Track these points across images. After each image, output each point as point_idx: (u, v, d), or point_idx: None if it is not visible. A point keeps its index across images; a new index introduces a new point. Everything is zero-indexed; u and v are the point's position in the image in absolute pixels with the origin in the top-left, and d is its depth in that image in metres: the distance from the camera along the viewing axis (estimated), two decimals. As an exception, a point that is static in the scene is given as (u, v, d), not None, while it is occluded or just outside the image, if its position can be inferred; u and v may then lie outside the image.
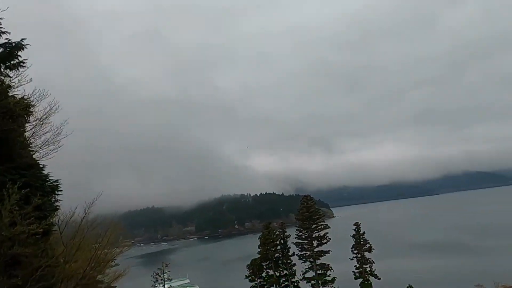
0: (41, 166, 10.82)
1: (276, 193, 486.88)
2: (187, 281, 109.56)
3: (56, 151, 11.56)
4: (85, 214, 11.48)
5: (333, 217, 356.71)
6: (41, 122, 11.71)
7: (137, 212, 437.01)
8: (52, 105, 12.27)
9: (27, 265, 8.55)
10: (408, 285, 73.94)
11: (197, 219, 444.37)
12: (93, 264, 11.98)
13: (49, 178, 10.56)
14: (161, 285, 71.45)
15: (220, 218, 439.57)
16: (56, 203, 10.72)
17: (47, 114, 11.92)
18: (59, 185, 10.88)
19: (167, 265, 73.00)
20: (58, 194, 10.75)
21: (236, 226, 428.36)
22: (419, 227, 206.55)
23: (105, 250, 12.55)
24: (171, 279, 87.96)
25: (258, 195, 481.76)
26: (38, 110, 12.02)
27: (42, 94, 12.21)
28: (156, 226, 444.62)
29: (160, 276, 70.75)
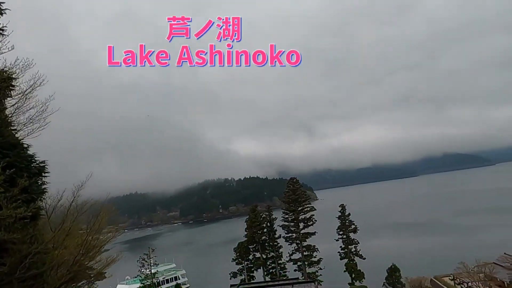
0: (25, 145, 9.90)
1: (260, 177, 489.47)
2: (173, 265, 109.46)
3: (42, 129, 10.53)
4: (74, 197, 10.69)
5: (316, 199, 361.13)
6: (25, 97, 10.62)
7: (120, 198, 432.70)
8: (36, 78, 11.13)
9: (15, 252, 7.82)
10: (391, 264, 75.51)
11: (181, 204, 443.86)
12: (84, 251, 11.26)
13: (35, 158, 9.70)
14: (147, 270, 71.02)
15: (204, 202, 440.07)
16: (43, 186, 9.88)
17: (32, 87, 10.79)
18: (46, 166, 10.03)
19: (153, 250, 72.51)
20: (45, 176, 9.91)
21: (221, 211, 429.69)
22: (401, 208, 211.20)
23: (97, 235, 11.79)
24: (158, 264, 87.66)
25: (242, 179, 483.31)
26: (21, 83, 10.97)
27: (25, 65, 11.03)
28: (140, 212, 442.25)
29: (146, 261, 70.26)
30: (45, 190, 9.79)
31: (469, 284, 59.23)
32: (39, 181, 9.58)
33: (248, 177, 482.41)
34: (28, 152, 9.76)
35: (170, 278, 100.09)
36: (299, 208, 78.03)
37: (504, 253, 64.08)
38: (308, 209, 78.80)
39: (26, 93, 10.23)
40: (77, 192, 10.61)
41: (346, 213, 79.37)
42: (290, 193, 78.11)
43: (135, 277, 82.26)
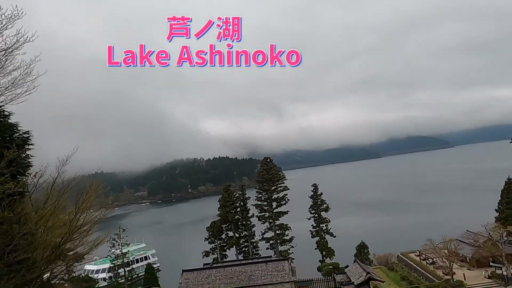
0: (6, 113, 8.61)
1: (230, 157, 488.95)
2: (143, 245, 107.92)
3: (28, 94, 8.98)
4: (59, 173, 9.54)
5: (285, 179, 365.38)
6: (6, 56, 8.99)
7: (85, 177, 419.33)
8: (20, 36, 9.36)
9: (4, 233, 6.79)
10: (360, 242, 77.86)
11: (149, 183, 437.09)
12: (69, 232, 10.26)
13: (18, 128, 8.47)
14: (118, 250, 69.47)
15: (173, 182, 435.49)
16: (28, 159, 8.68)
17: (14, 44, 9.06)
18: (30, 137, 8.83)
19: (124, 230, 70.82)
20: (29, 149, 8.71)
21: (190, 190, 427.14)
22: (368, 188, 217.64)
23: (84, 214, 10.74)
24: (128, 244, 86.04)
25: (211, 159, 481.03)
26: (1, 40, 9.25)
27: (13, 15, 9.12)
28: (107, 192, 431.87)
29: (117, 241, 68.61)
30: (30, 164, 8.63)
31: (434, 259, 62.02)
32: (23, 154, 8.43)
33: (218, 157, 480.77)
34: (10, 120, 8.52)
35: (140, 258, 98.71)
36: (273, 188, 78.38)
37: (467, 230, 67.21)
38: (281, 188, 79.30)
39: (7, 50, 8.67)
40: (62, 168, 9.48)
41: (318, 193, 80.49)
42: (264, 172, 78.15)
43: (105, 257, 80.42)
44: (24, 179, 7.96)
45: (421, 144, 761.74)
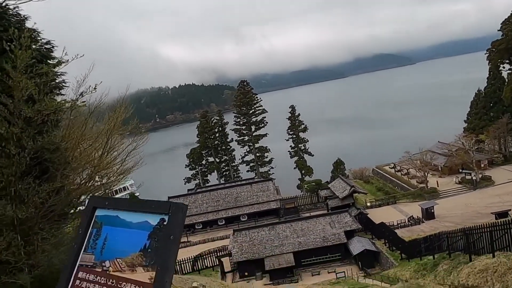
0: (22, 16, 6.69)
1: (196, 83, 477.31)
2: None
3: None
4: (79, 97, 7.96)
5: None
6: None
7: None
8: None
9: (53, 176, 5.58)
10: (337, 159, 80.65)
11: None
12: (103, 156, 9.20)
13: (40, 33, 6.64)
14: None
15: (139, 112, 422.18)
16: (58, 77, 7.02)
17: None
18: (53, 49, 7.11)
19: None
20: (53, 64, 7.00)
21: (158, 120, 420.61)
22: (339, 107, 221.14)
23: (116, 136, 9.46)
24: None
25: (177, 87, 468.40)
26: None
27: None
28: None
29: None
30: (63, 83, 7.00)
31: (408, 170, 65.54)
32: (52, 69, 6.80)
33: (184, 84, 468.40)
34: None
35: (119, 189, 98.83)
36: (251, 111, 77.65)
37: (438, 141, 70.62)
38: (259, 111, 78.76)
39: None
40: (84, 80, 7.86)
41: (296, 114, 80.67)
42: (241, 96, 76.70)
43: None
44: (62, 100, 6.50)
45: (384, 62, 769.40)
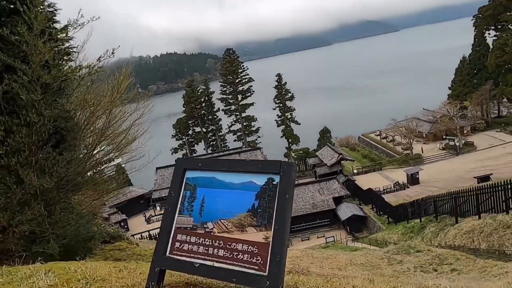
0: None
1: (178, 52, 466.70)
2: (106, 147, 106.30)
3: None
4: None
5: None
6: None
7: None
8: None
9: (71, 145, 5.42)
10: (323, 127, 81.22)
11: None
12: (103, 133, 8.98)
13: None
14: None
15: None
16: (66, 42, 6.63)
17: None
18: (56, 11, 6.72)
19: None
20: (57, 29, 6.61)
21: (140, 90, 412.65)
22: (324, 75, 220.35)
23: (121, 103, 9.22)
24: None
25: (158, 56, 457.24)
26: None
27: None
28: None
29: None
30: (72, 48, 6.66)
31: (394, 137, 66.64)
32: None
33: (165, 53, 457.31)
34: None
35: (103, 161, 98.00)
36: (237, 80, 76.75)
37: (423, 108, 71.62)
38: (246, 80, 77.92)
39: None
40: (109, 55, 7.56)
41: (283, 82, 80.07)
42: (228, 64, 75.50)
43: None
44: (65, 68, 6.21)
45: (369, 30, 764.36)
